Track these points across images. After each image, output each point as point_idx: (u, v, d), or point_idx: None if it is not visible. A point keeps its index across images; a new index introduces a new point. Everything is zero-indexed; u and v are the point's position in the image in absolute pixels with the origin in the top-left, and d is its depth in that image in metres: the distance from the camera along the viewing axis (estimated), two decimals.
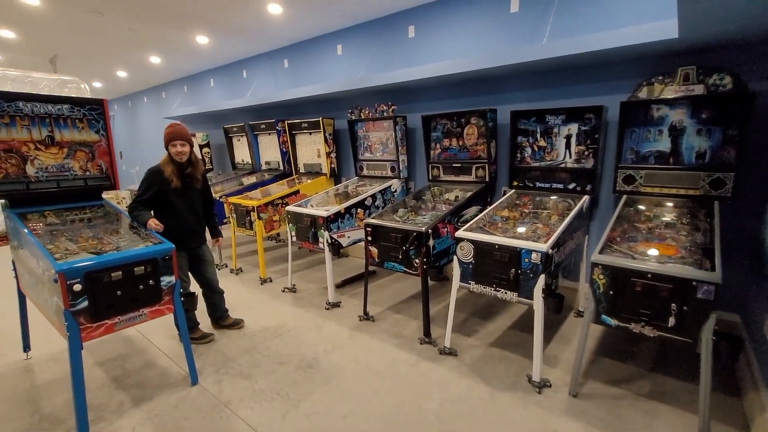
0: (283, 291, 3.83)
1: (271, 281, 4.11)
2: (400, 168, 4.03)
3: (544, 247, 2.13)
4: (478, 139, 3.38)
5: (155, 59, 6.34)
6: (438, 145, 3.66)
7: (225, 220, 4.62)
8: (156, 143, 9.15)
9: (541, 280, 2.14)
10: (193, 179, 2.70)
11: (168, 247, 2.14)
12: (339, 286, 3.87)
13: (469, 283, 2.46)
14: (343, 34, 4.73)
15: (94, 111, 2.53)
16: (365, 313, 3.19)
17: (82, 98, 2.51)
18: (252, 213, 4.03)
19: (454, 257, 2.50)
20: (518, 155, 3.16)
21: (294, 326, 3.10)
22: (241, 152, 6.03)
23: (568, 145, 2.91)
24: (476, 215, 3.07)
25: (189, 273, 2.81)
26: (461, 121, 3.46)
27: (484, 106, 3.48)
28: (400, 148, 3.96)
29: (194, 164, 2.72)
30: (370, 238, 2.99)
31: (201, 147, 6.75)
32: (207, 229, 2.94)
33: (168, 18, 4.44)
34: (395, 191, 4.07)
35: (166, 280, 2.14)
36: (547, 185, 3.05)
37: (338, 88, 4.22)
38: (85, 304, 1.84)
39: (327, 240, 3.32)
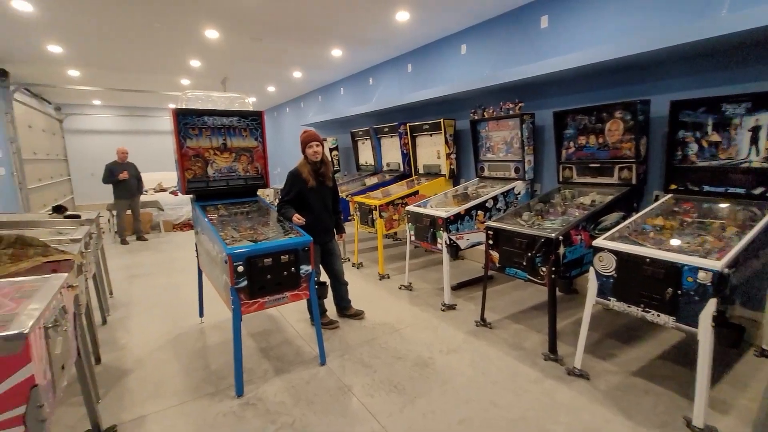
0: (400, 288, 3.96)
1: (388, 278, 4.29)
2: (525, 169, 3.77)
3: (717, 264, 1.74)
4: (624, 136, 2.94)
5: (297, 74, 7.22)
6: (571, 144, 3.31)
7: (350, 217, 5.00)
8: (295, 147, 10.44)
9: (711, 305, 1.75)
10: (325, 178, 2.97)
11: (307, 240, 2.41)
12: (455, 288, 3.83)
13: (609, 300, 2.16)
14: (468, 33, 4.65)
15: (254, 121, 3.01)
16: (482, 318, 3.09)
17: (246, 111, 3.00)
18: (374, 212, 4.27)
19: (590, 269, 2.23)
20: (678, 153, 2.65)
21: (410, 323, 3.17)
22: (365, 154, 6.44)
23: (754, 140, 2.32)
24: (618, 222, 2.69)
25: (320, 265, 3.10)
26: (602, 115, 3.06)
27: (631, 98, 3.01)
28: (526, 147, 3.71)
29: (326, 164, 2.99)
30: (491, 242, 2.87)
31: (331, 150, 7.44)
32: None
33: (311, 37, 5.01)
34: (519, 194, 3.83)
35: (305, 268, 2.41)
36: (720, 189, 2.48)
37: (461, 89, 4.17)
38: (245, 283, 2.20)
39: (445, 241, 3.31)
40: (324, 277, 3.16)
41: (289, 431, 1.99)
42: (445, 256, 3.35)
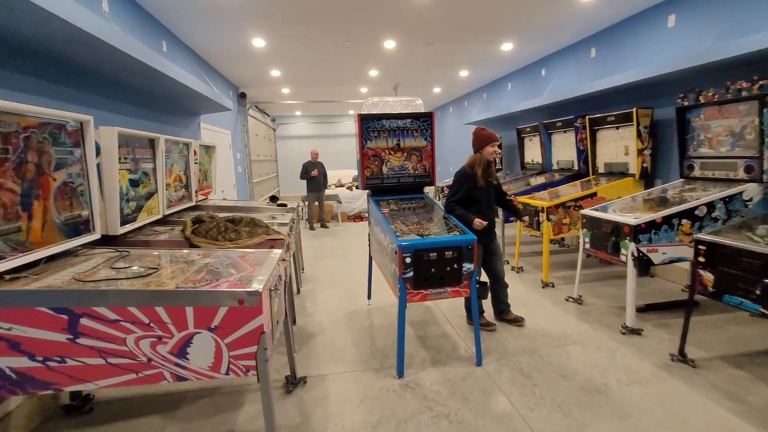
0: (567, 300, 3.56)
1: (553, 286, 3.91)
2: (764, 168, 2.84)
3: None
4: None
5: (464, 73, 7.26)
6: None
7: (511, 219, 4.76)
8: (456, 146, 10.55)
9: None
10: (491, 177, 2.95)
11: (471, 238, 2.42)
12: (641, 310, 3.21)
13: None
14: (678, 0, 3.77)
15: (425, 122, 3.17)
16: (681, 352, 2.49)
17: (419, 113, 3.19)
18: (541, 214, 3.95)
19: None
20: None
21: (579, 341, 2.82)
22: (532, 152, 6.01)
23: None
24: None
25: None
26: None
27: None
28: (766, 139, 2.79)
29: (494, 164, 2.98)
30: (703, 260, 2.28)
31: None
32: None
33: (481, 34, 4.96)
34: (750, 200, 2.92)
35: (467, 266, 2.42)
36: None
37: (667, 69, 3.42)
38: (411, 274, 2.36)
39: (632, 253, 2.80)
40: (484, 277, 3.11)
41: (445, 421, 2.04)
42: (631, 270, 2.83)
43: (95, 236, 1.98)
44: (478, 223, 2.74)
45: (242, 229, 2.57)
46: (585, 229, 3.31)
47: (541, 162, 5.68)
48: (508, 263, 4.73)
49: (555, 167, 5.43)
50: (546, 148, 5.50)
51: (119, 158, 2.18)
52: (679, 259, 2.90)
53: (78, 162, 1.87)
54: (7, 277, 1.47)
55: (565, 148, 5.18)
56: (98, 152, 2.05)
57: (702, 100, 3.21)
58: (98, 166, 2.03)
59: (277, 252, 2.12)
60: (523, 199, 4.33)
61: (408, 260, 2.33)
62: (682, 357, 2.49)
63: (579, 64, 5.32)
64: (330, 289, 4.23)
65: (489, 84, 8.26)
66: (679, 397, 2.14)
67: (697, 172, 3.38)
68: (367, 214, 8.33)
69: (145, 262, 1.90)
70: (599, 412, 2.06)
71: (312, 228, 7.78)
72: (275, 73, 6.73)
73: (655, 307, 3.28)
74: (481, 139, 2.92)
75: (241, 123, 7.97)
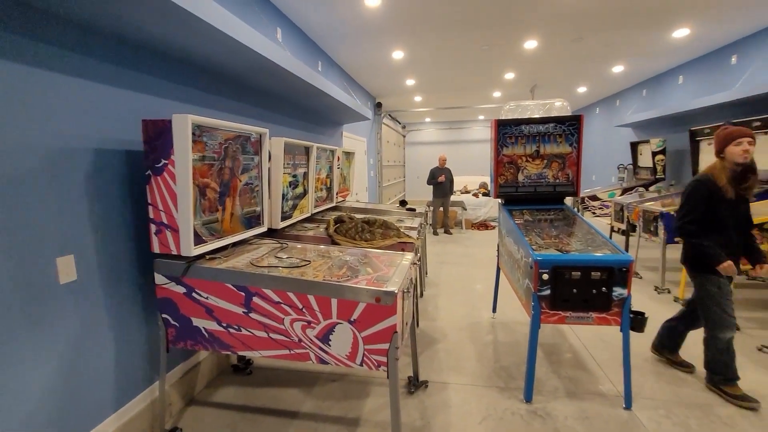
0: (761, 350, 2.77)
1: (739, 329, 3.09)
2: None
3: None
4: None
5: (618, 68, 6.35)
6: None
7: (676, 239, 3.94)
8: (601, 153, 9.31)
9: None
10: (749, 191, 2.23)
11: (627, 259, 2.08)
12: None
13: None
14: None
15: (572, 126, 2.87)
16: None
17: (564, 116, 2.91)
18: None
19: None
20: None
21: None
22: (709, 158, 4.85)
23: None
24: None
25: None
26: None
27: None
28: None
29: (754, 172, 2.18)
30: None
31: (654, 154, 6.13)
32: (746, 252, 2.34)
33: (647, 21, 4.27)
34: None
35: (619, 291, 2.10)
36: None
37: None
38: (548, 292, 2.16)
39: None
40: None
41: None
42: None
43: (263, 229, 2.36)
44: (729, 268, 2.14)
45: (376, 230, 2.74)
46: None
47: None
48: (669, 292, 3.94)
49: None
50: None
51: (283, 163, 2.56)
52: None
53: (256, 167, 2.26)
54: (208, 257, 1.87)
55: (761, 153, 4.04)
56: (269, 159, 2.45)
57: None
58: (268, 170, 2.43)
59: (410, 255, 2.19)
60: None
61: (545, 277, 2.14)
62: None
63: None
64: (452, 296, 4.18)
65: (651, 78, 7.03)
66: None
67: None
68: (493, 223, 7.98)
69: (298, 254, 2.19)
70: None
71: (435, 233, 7.84)
72: (410, 82, 7.01)
73: None
74: (720, 139, 2.24)
75: (376, 131, 8.54)
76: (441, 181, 7.51)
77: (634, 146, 6.80)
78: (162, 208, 1.71)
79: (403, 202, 4.54)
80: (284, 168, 2.59)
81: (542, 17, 4.07)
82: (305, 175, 3.07)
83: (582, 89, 8.21)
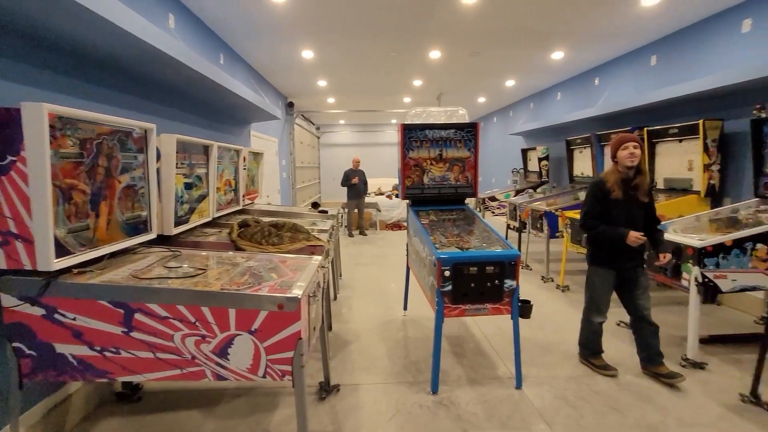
0: (619, 325, 3.31)
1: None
2: None
3: None
4: None
5: (510, 82, 7.09)
6: None
7: (557, 234, 4.54)
8: (499, 157, 10.29)
9: None
10: (638, 191, 2.43)
11: (514, 254, 2.32)
12: (705, 341, 2.91)
13: None
14: (755, 3, 3.46)
15: (469, 132, 3.11)
16: (755, 394, 2.22)
17: (463, 123, 3.14)
18: None
19: None
20: None
21: (631, 370, 2.60)
22: (582, 164, 5.72)
23: None
24: None
25: (617, 298, 2.59)
26: None
27: None
28: None
29: (642, 173, 2.45)
30: None
31: (539, 160, 6.96)
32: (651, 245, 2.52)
33: (531, 42, 4.83)
34: None
35: (509, 283, 2.32)
36: None
37: (745, 77, 3.11)
38: (450, 287, 2.30)
39: (696, 278, 2.55)
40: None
41: None
42: (694, 297, 2.59)
43: (152, 236, 2.11)
44: (635, 237, 2.31)
45: (285, 234, 2.64)
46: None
47: (591, 175, 5.38)
48: (552, 281, 4.50)
49: None
50: (598, 161, 5.21)
51: (176, 163, 2.32)
52: (753, 288, 2.61)
53: (141, 166, 2.01)
54: (75, 270, 1.60)
55: None
56: (158, 157, 2.19)
57: None
58: (157, 170, 2.18)
59: (317, 259, 2.15)
60: (572, 213, 4.12)
61: (447, 273, 2.27)
62: (755, 399, 2.21)
63: (637, 72, 5.02)
64: (366, 296, 4.23)
65: (536, 93, 8.00)
66: None
67: None
68: (405, 224, 8.28)
69: (195, 262, 2.00)
70: None
71: (351, 235, 7.87)
72: (322, 83, 6.94)
73: (723, 339, 2.97)
74: (612, 145, 2.47)
75: (288, 131, 8.28)
76: (355, 183, 7.57)
77: (524, 152, 7.66)
78: (9, 215, 1.41)
79: (315, 204, 4.46)
80: (178, 168, 2.35)
81: (443, 31, 4.35)
82: (205, 176, 2.83)
83: (482, 99, 8.99)
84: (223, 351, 1.55)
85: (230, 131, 4.72)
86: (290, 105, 8.27)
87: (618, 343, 3.00)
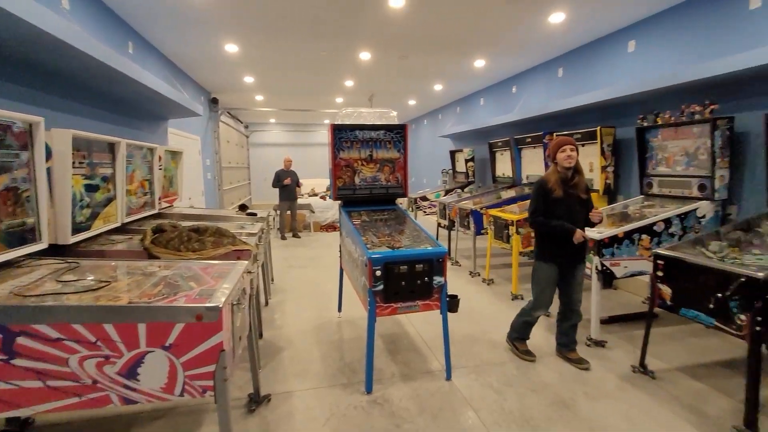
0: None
1: (522, 299, 3.97)
2: (716, 187, 3.02)
3: None
4: None
5: (438, 86, 7.39)
6: None
7: (482, 231, 4.83)
8: (430, 159, 10.68)
9: None
10: (577, 189, 2.60)
11: (442, 251, 2.41)
12: (605, 322, 3.30)
13: None
14: (639, 27, 4.01)
15: (398, 134, 3.18)
16: (642, 364, 2.57)
17: (392, 125, 3.20)
18: (510, 227, 4.02)
19: None
20: None
21: (548, 354, 2.86)
22: (503, 166, 6.16)
23: None
24: None
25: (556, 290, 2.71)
26: None
27: None
28: (718, 160, 2.98)
29: (579, 173, 2.62)
30: (661, 274, 2.38)
31: (466, 161, 7.35)
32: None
33: (455, 50, 5.07)
34: (703, 217, 3.09)
35: (438, 279, 2.41)
36: None
37: (628, 91, 3.60)
38: (381, 287, 2.32)
39: (596, 266, 2.88)
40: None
41: None
42: (595, 283, 2.92)
43: (41, 246, 1.83)
44: (580, 235, 2.48)
45: (207, 239, 2.46)
46: None
47: (511, 176, 5.82)
48: (479, 275, 4.78)
49: (525, 181, 5.58)
50: (516, 163, 5.64)
51: (73, 162, 2.04)
52: (640, 273, 3.01)
53: (25, 166, 1.73)
54: None
55: (534, 163, 5.34)
56: (49, 156, 1.91)
57: (659, 121, 3.39)
58: (49, 170, 1.90)
59: (243, 264, 2.04)
60: (494, 212, 4.41)
61: (378, 273, 2.30)
62: (643, 369, 2.56)
63: (548, 82, 5.54)
64: (300, 300, 4.12)
65: (463, 98, 8.45)
66: (644, 412, 2.19)
67: (655, 190, 3.55)
68: (339, 225, 8.21)
69: (97, 274, 1.78)
70: (568, 428, 2.07)
71: (284, 237, 7.62)
72: (248, 79, 6.62)
73: (618, 318, 3.39)
74: (552, 148, 2.65)
75: (212, 129, 7.76)
76: (287, 184, 7.34)
77: (452, 154, 8.04)
78: None
79: (243, 207, 4.23)
80: (75, 168, 2.08)
81: (373, 33, 4.40)
82: (112, 177, 2.54)
83: (412, 102, 9.27)
84: (131, 372, 1.40)
85: (143, 127, 4.29)
86: (214, 101, 7.77)
87: (537, 330, 3.27)
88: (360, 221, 3.08)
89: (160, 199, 3.36)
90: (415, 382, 2.52)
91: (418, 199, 7.83)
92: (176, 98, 3.80)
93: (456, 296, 2.59)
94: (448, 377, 2.54)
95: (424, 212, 8.13)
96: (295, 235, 7.76)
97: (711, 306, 2.09)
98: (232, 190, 9.22)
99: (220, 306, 1.43)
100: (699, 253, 2.35)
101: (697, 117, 3.09)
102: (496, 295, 4.16)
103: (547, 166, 4.93)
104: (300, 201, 8.39)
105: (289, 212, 7.68)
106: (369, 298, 2.33)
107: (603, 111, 4.38)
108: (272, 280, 4.70)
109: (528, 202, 4.68)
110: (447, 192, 7.34)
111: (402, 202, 9.93)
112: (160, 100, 3.64)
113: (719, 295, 2.03)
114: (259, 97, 8.35)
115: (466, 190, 6.96)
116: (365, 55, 5.27)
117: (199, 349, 1.42)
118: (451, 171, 8.29)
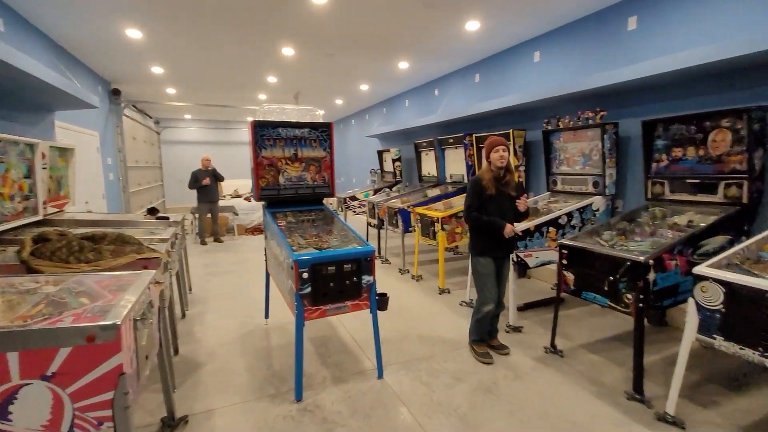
0: (461, 305, 3.80)
1: (449, 292, 4.15)
2: (606, 183, 3.45)
3: None
4: (732, 147, 2.56)
5: (364, 87, 7.43)
6: (664, 156, 2.96)
7: (410, 229, 4.96)
8: (359, 158, 10.70)
9: None
10: (508, 186, 2.70)
11: (370, 250, 2.41)
12: (521, 309, 3.58)
13: (714, 338, 1.85)
14: (542, 40, 4.43)
15: (324, 132, 3.11)
16: (553, 345, 2.83)
17: (317, 123, 3.12)
18: (436, 224, 4.18)
19: (690, 300, 1.93)
20: None
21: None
22: (428, 166, 6.39)
23: None
24: (724, 247, 2.33)
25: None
26: (704, 125, 2.69)
27: (734, 105, 2.63)
28: (607, 160, 3.40)
29: (510, 171, 2.72)
30: (565, 262, 2.64)
31: (393, 161, 7.49)
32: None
33: (380, 51, 5.12)
34: (597, 210, 3.50)
35: (366, 278, 2.40)
36: None
37: (534, 98, 3.96)
38: (309, 290, 2.25)
39: (513, 259, 3.11)
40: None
41: None
42: (512, 274, 3.15)
43: None
44: (510, 230, 2.59)
45: (105, 247, 2.16)
46: None
47: (436, 175, 6.06)
48: (408, 272, 4.89)
49: (449, 180, 5.85)
50: (440, 162, 5.89)
51: None
52: (549, 262, 3.32)
53: None
54: None
55: (456, 163, 5.62)
56: None
57: (561, 125, 3.78)
58: None
59: (149, 273, 1.82)
60: (420, 210, 4.55)
61: (305, 275, 2.22)
62: (553, 349, 2.83)
63: (466, 87, 5.87)
64: (223, 309, 3.84)
65: (389, 99, 8.60)
66: (555, 388, 2.41)
67: (559, 187, 3.94)
68: (264, 227, 7.87)
69: None
70: (491, 411, 2.20)
71: (204, 243, 7.06)
72: (157, 70, 6.00)
73: (533, 305, 3.71)
74: (486, 147, 2.73)
75: (114, 124, 6.90)
76: (205, 185, 6.82)
77: (380, 154, 8.15)
78: None
79: (152, 210, 3.82)
80: None
81: (296, 28, 4.26)
82: None
83: (340, 101, 9.20)
84: (0, 411, 1.16)
85: (21, 119, 3.65)
86: (115, 92, 6.91)
87: (458, 320, 3.44)
88: (285, 222, 2.95)
89: (45, 203, 2.88)
90: (347, 384, 2.48)
91: (348, 198, 7.80)
92: (61, 86, 3.28)
93: (385, 294, 2.60)
94: (380, 375, 2.55)
95: (354, 212, 8.12)
96: (217, 240, 7.24)
97: (605, 288, 2.37)
98: (141, 192, 8.30)
99: (119, 323, 1.25)
100: (595, 242, 2.66)
101: (590, 122, 3.50)
102: (425, 290, 4.29)
103: (468, 165, 5.23)
104: (222, 203, 7.85)
105: (209, 215, 7.13)
106: (296, 302, 2.24)
107: (515, 115, 4.75)
108: (190, 289, 4.32)
109: (452, 199, 4.92)
110: (376, 191, 7.42)
111: (332, 203, 9.82)
112: (41, 87, 3.11)
113: (611, 278, 2.31)
114: (170, 90, 7.62)
115: (394, 189, 7.09)
116: (288, 51, 5.09)
117: (92, 375, 1.23)
118: (379, 171, 8.39)
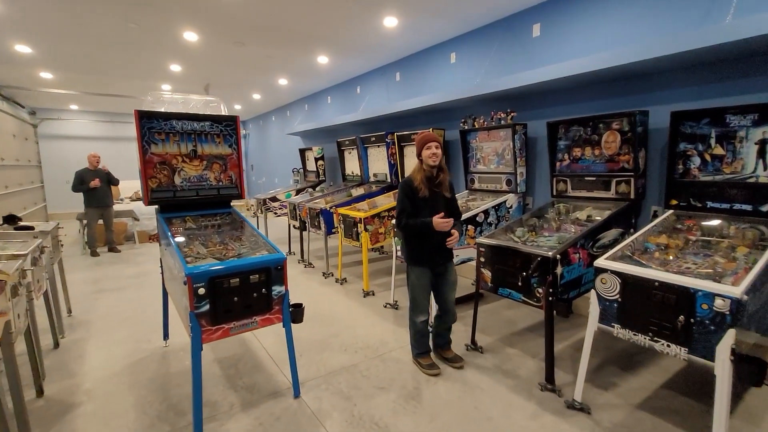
0: (385, 306, 3.72)
1: (373, 294, 4.05)
2: (518, 181, 3.61)
3: (736, 291, 1.56)
4: (622, 148, 2.80)
5: (283, 81, 7.02)
6: (566, 156, 3.16)
7: (333, 230, 4.76)
8: (280, 157, 10.18)
9: (730, 336, 1.57)
10: (441, 187, 2.50)
11: (280, 258, 2.17)
12: None
13: (612, 326, 1.97)
14: (457, 41, 4.53)
15: (228, 127, 2.78)
16: (473, 342, 2.87)
17: (220, 116, 2.77)
18: (359, 224, 4.04)
19: (592, 292, 2.03)
20: (680, 167, 2.50)
21: (395, 347, 2.93)
22: (352, 164, 6.24)
23: (761, 154, 2.18)
24: (617, 240, 2.53)
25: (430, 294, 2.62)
26: (598, 126, 2.92)
27: (629, 108, 2.90)
28: (518, 159, 3.55)
29: (443, 171, 2.51)
30: (483, 260, 2.67)
31: (316, 160, 7.21)
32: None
33: (296, 42, 4.83)
34: (511, 207, 3.66)
35: (277, 289, 2.16)
36: (725, 206, 2.33)
37: (450, 97, 4.02)
38: (207, 307, 1.94)
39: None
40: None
41: None
42: None
43: None
44: (439, 221, 2.32)
45: None
46: (397, 238, 3.52)
47: (360, 174, 5.94)
48: (332, 275, 4.70)
49: (372, 179, 5.76)
50: (363, 161, 5.77)
51: None
52: (469, 259, 3.38)
53: None
54: None
55: (379, 162, 5.55)
56: None
57: (476, 125, 3.88)
58: None
59: None
60: (343, 210, 4.38)
61: (202, 291, 1.91)
62: (474, 345, 2.85)
63: (388, 85, 5.83)
64: (111, 333, 3.28)
65: (310, 95, 8.27)
66: (475, 385, 2.41)
67: (477, 185, 4.06)
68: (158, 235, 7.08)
69: None
70: (413, 419, 2.11)
71: (95, 254, 6.08)
72: (23, 49, 4.99)
73: (455, 302, 3.75)
74: (417, 143, 2.50)
75: None
76: (94, 187, 5.88)
77: (302, 152, 7.79)
78: None
79: (10, 218, 3.11)
80: None
81: (195, 8, 3.80)
82: None
83: (257, 96, 8.61)
84: None
85: None
86: None
87: (382, 323, 3.35)
88: (183, 229, 2.58)
89: None
90: (257, 409, 2.22)
91: (268, 200, 7.32)
92: None
93: (300, 305, 2.38)
94: (296, 394, 2.32)
95: (275, 214, 7.66)
96: (112, 250, 6.31)
97: (519, 284, 2.43)
98: (8, 196, 6.91)
99: None
100: (509, 239, 2.73)
101: (502, 122, 3.64)
102: (349, 294, 4.13)
103: (390, 164, 5.18)
104: (119, 207, 6.87)
105: (101, 221, 6.18)
106: (191, 322, 1.92)
107: (434, 114, 4.81)
108: (69, 312, 3.63)
109: (376, 198, 4.83)
110: (298, 192, 7.07)
111: (251, 205, 9.19)
112: None
113: (524, 274, 2.37)
114: (46, 75, 6.43)
115: (317, 189, 6.82)
116: (191, 36, 4.55)
117: None
118: (301, 170, 8.04)
